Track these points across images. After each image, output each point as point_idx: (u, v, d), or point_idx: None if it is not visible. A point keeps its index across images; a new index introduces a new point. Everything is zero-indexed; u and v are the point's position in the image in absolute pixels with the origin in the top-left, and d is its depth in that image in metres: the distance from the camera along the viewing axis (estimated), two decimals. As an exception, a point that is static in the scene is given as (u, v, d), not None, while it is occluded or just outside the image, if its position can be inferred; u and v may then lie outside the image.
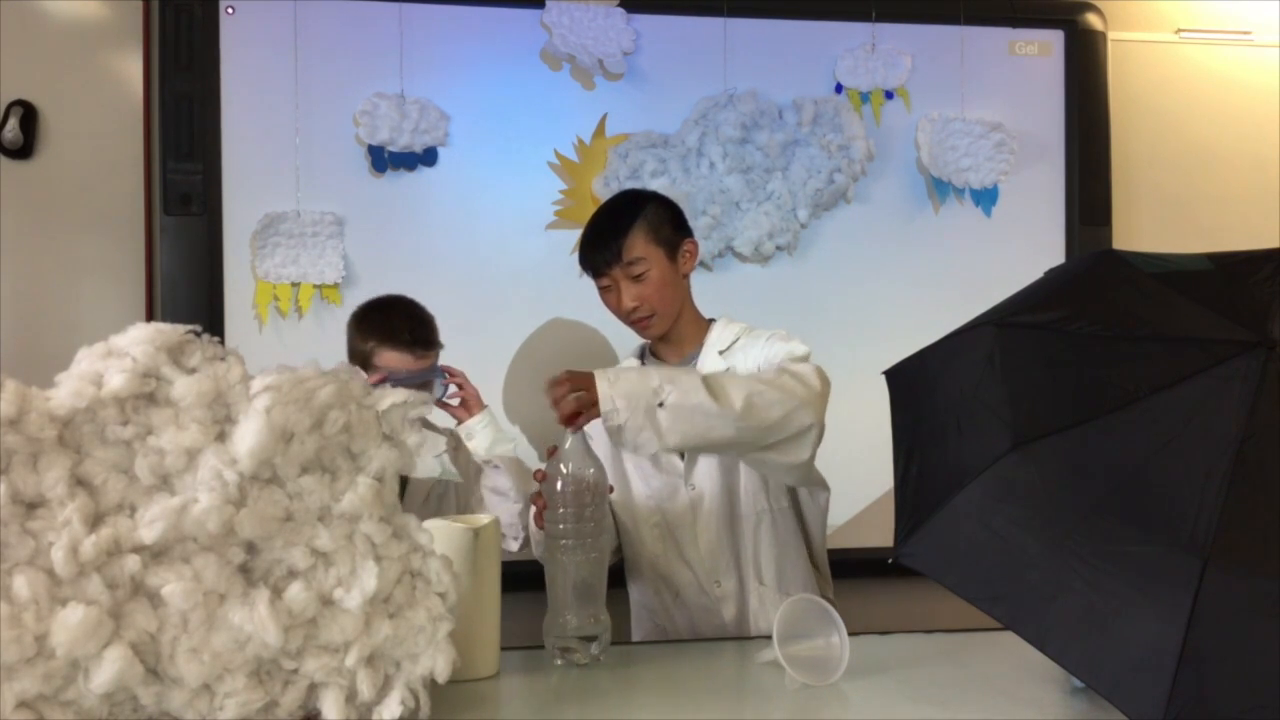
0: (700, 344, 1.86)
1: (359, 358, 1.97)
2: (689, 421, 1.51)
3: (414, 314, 1.99)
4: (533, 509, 1.58)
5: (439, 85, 2.53)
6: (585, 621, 1.46)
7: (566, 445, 1.48)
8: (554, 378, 1.52)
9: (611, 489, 1.61)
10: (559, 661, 1.45)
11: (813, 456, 1.66)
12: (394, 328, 1.95)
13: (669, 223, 1.83)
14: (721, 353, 1.82)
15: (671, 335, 1.86)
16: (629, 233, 1.78)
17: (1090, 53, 2.77)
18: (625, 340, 2.57)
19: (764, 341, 1.79)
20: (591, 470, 1.48)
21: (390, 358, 1.93)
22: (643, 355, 1.94)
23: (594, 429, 1.54)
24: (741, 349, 1.82)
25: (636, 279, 1.78)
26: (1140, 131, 2.87)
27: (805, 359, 1.72)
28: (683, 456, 1.82)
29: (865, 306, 2.68)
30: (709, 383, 1.53)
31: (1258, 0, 2.93)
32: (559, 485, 1.47)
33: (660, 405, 1.50)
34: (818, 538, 1.90)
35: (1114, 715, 1.04)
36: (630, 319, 1.82)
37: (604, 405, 1.49)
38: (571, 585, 1.46)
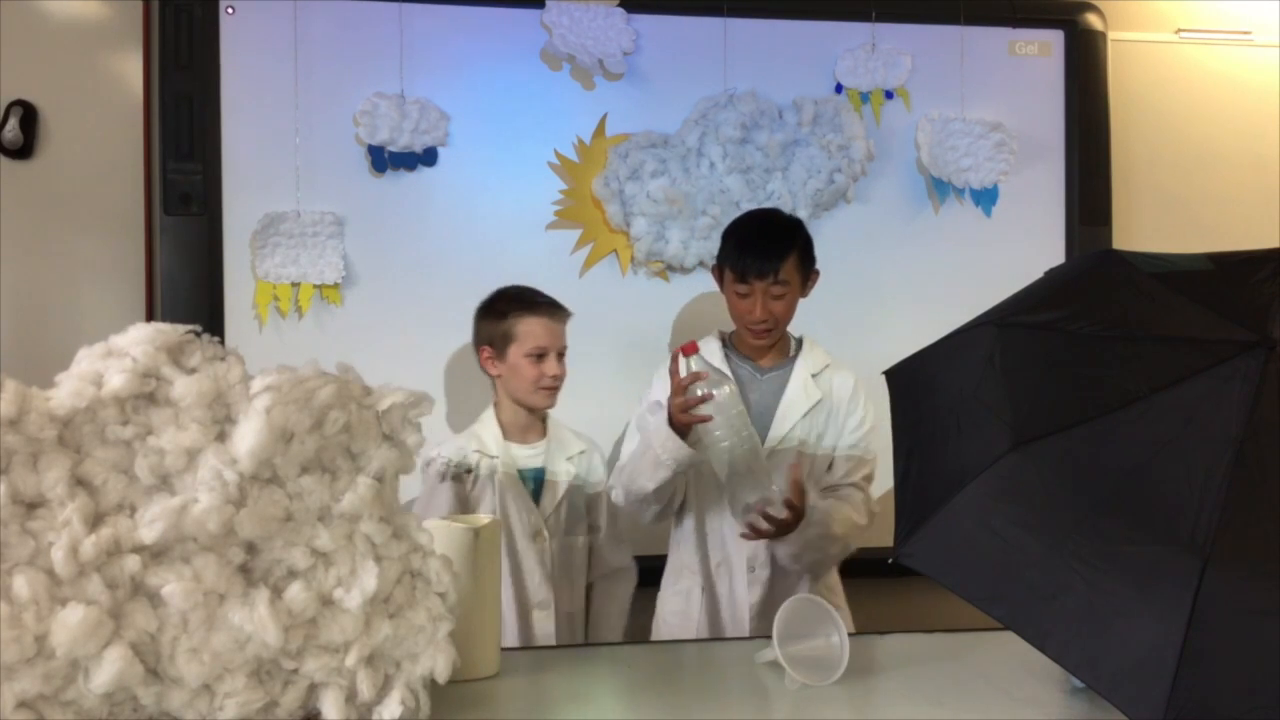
0: (786, 356, 2.02)
1: (499, 337, 2.05)
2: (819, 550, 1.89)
3: (537, 289, 2.12)
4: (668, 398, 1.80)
5: (439, 85, 2.53)
6: (757, 490, 1.75)
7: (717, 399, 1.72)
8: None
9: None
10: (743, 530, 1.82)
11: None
12: (529, 297, 2.08)
13: (809, 252, 2.00)
14: (814, 375, 1.99)
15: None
16: (787, 256, 1.92)
17: (1090, 53, 2.77)
18: (625, 342, 2.57)
19: (855, 422, 2.00)
20: (728, 391, 1.73)
21: (534, 323, 2.03)
22: (724, 344, 2.04)
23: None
24: (834, 389, 2.00)
25: (777, 297, 1.93)
26: (1140, 131, 2.87)
27: (872, 472, 2.00)
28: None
29: (865, 306, 2.68)
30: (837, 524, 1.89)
31: (1258, 0, 2.93)
32: (715, 430, 1.72)
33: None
34: None
35: (1114, 715, 1.04)
36: (754, 327, 1.94)
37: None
38: (743, 471, 1.73)
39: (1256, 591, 1.01)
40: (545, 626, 1.99)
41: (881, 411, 1.38)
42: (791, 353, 2.03)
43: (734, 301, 1.96)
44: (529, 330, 2.02)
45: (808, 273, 1.99)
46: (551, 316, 2.05)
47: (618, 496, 1.96)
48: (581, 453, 2.13)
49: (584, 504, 2.12)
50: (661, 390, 1.99)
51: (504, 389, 2.07)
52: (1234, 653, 1.00)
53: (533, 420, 2.09)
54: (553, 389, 2.04)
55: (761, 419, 1.96)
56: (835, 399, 1.99)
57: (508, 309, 2.06)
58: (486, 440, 2.04)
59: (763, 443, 1.93)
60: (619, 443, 2.12)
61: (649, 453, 1.83)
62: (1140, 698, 1.00)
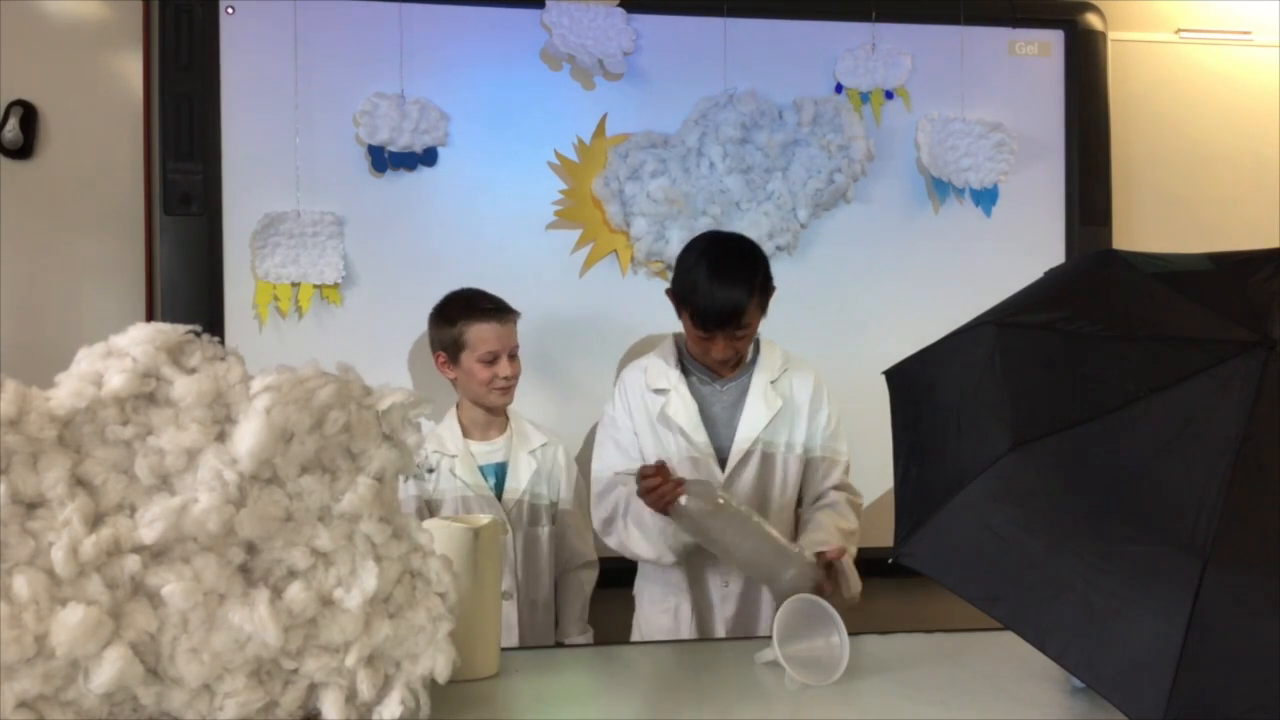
0: (744, 362, 1.98)
1: (451, 344, 2.10)
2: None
3: (484, 292, 2.15)
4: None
5: (439, 85, 2.53)
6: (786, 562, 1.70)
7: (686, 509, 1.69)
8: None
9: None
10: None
11: None
12: (476, 303, 2.11)
13: (768, 282, 1.92)
14: (773, 382, 1.96)
15: None
16: (748, 303, 1.85)
17: (1090, 53, 2.77)
18: (625, 342, 2.57)
19: (822, 422, 1.98)
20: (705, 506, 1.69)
21: (483, 329, 2.07)
22: (679, 350, 2.01)
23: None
24: (794, 391, 1.96)
25: (740, 337, 1.88)
26: (1140, 131, 2.87)
27: (847, 467, 2.00)
28: (723, 468, 1.93)
29: (865, 306, 2.68)
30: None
31: (1258, 0, 2.93)
32: (709, 530, 1.70)
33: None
34: None
35: (1114, 715, 1.04)
36: (717, 363, 1.93)
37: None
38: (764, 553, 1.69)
39: (1256, 592, 1.01)
40: (509, 615, 2.03)
41: (882, 411, 1.37)
42: (749, 357, 1.99)
43: (694, 339, 1.90)
44: (479, 336, 2.07)
45: (766, 301, 1.92)
46: (500, 321, 2.09)
47: (612, 544, 1.97)
48: (544, 446, 2.18)
49: (546, 495, 2.17)
50: (623, 407, 1.99)
51: (461, 391, 2.14)
52: (1234, 653, 1.00)
53: (493, 418, 2.16)
54: (506, 389, 2.11)
55: (723, 430, 1.95)
56: (797, 403, 1.97)
57: (456, 316, 2.10)
58: (445, 439, 2.12)
59: (726, 453, 1.93)
60: (589, 438, 2.12)
61: (652, 538, 1.86)
62: (1140, 698, 1.00)
